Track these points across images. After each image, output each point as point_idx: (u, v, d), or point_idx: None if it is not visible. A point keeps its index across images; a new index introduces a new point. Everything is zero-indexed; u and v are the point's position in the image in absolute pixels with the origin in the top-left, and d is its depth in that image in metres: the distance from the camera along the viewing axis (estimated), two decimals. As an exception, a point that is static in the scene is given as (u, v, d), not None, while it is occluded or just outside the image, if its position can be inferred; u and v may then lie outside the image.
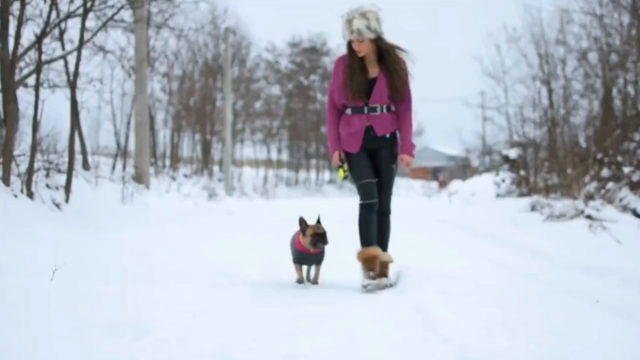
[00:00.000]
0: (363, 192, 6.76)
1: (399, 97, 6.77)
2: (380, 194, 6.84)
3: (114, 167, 21.15)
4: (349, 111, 6.88)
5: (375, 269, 6.58)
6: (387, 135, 6.85)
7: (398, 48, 6.82)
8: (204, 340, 4.48)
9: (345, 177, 6.86)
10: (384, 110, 6.81)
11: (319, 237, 6.69)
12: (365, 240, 6.74)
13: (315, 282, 6.91)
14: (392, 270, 6.91)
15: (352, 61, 6.78)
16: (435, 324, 4.87)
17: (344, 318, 5.30)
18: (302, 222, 6.75)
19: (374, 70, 6.79)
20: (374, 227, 6.77)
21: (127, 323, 4.57)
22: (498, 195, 26.06)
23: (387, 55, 6.73)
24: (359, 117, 6.82)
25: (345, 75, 6.78)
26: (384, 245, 6.90)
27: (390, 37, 6.79)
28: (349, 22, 6.61)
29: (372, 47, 6.72)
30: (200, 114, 37.66)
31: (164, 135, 35.19)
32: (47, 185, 11.65)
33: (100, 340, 4.17)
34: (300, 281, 6.93)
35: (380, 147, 6.85)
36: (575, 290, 6.48)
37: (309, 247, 6.70)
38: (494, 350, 4.17)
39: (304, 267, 6.99)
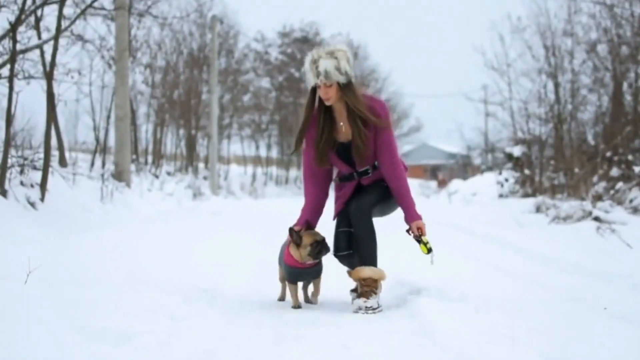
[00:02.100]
0: (334, 243, 6.20)
1: (381, 153, 6.11)
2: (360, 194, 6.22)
3: (92, 164, 21.04)
4: (337, 180, 6.39)
5: (364, 293, 5.96)
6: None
7: (369, 101, 6.10)
8: (187, 346, 4.49)
9: (428, 253, 6.05)
10: (375, 167, 6.23)
11: (320, 244, 6.05)
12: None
13: (315, 301, 6.33)
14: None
15: (318, 114, 6.13)
16: (432, 332, 4.87)
17: (335, 325, 5.32)
18: (292, 232, 6.07)
19: (347, 129, 6.11)
20: (355, 261, 6.17)
21: (107, 328, 4.57)
22: (501, 196, 26.15)
23: (353, 114, 6.01)
24: (350, 183, 6.29)
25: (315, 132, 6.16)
26: (365, 259, 6.10)
27: (358, 80, 6.25)
28: (314, 62, 5.92)
29: (341, 94, 5.99)
30: (185, 107, 37.54)
31: (146, 131, 35.00)
32: (22, 183, 11.64)
33: (80, 347, 4.18)
34: (297, 306, 6.13)
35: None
36: (581, 296, 6.50)
37: (306, 259, 6.06)
38: (495, 358, 4.19)
39: (299, 285, 6.32)
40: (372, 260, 6.09)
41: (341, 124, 6.13)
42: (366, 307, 5.89)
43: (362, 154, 6.09)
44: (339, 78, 5.89)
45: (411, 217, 6.08)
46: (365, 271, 6.01)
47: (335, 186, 6.43)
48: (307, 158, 6.24)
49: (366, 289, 5.98)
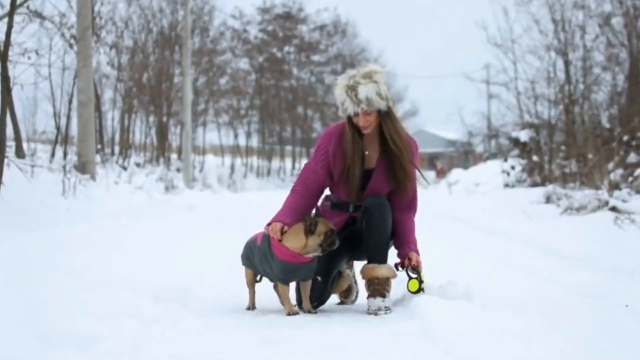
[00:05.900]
0: (311, 292, 6.02)
1: (404, 193, 6.09)
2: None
3: (53, 155, 20.92)
4: (326, 205, 6.25)
5: (377, 292, 5.92)
6: None
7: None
8: (160, 351, 4.44)
9: (417, 291, 5.94)
10: None
11: (334, 234, 5.79)
12: None
13: (309, 309, 5.96)
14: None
15: (354, 144, 5.98)
16: (434, 332, 4.83)
17: (323, 327, 5.30)
18: (306, 217, 5.79)
19: (372, 157, 6.05)
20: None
21: (69, 332, 4.54)
22: (507, 185, 26.18)
23: (394, 140, 5.93)
24: (339, 213, 6.18)
25: (344, 163, 5.99)
26: (379, 256, 6.03)
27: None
28: (352, 89, 5.82)
29: (380, 122, 5.95)
30: (155, 92, 37.51)
31: (112, 118, 35.03)
32: (-26, 176, 11.57)
33: (38, 353, 4.14)
34: (294, 312, 5.82)
35: None
36: (599, 293, 6.51)
37: (313, 251, 5.75)
38: (506, 360, 4.15)
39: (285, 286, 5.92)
40: (385, 258, 6.04)
41: (367, 152, 6.05)
42: (385, 307, 5.85)
43: (406, 183, 6.03)
44: (381, 104, 5.84)
45: (414, 249, 6.07)
46: (382, 270, 5.96)
47: (322, 211, 6.22)
48: (309, 176, 6.13)
49: (379, 287, 5.92)
